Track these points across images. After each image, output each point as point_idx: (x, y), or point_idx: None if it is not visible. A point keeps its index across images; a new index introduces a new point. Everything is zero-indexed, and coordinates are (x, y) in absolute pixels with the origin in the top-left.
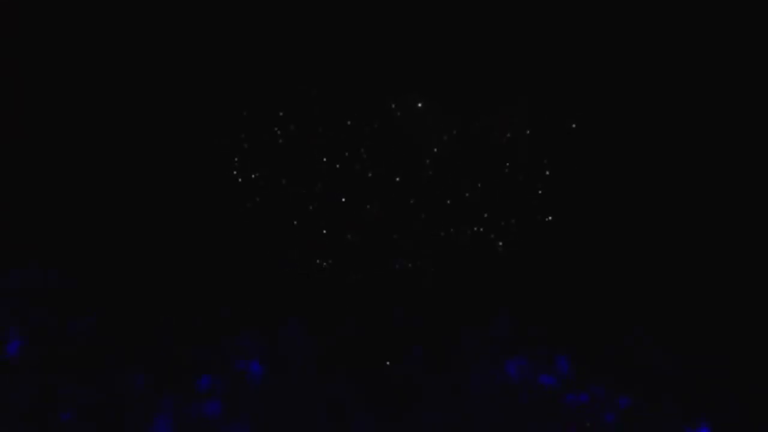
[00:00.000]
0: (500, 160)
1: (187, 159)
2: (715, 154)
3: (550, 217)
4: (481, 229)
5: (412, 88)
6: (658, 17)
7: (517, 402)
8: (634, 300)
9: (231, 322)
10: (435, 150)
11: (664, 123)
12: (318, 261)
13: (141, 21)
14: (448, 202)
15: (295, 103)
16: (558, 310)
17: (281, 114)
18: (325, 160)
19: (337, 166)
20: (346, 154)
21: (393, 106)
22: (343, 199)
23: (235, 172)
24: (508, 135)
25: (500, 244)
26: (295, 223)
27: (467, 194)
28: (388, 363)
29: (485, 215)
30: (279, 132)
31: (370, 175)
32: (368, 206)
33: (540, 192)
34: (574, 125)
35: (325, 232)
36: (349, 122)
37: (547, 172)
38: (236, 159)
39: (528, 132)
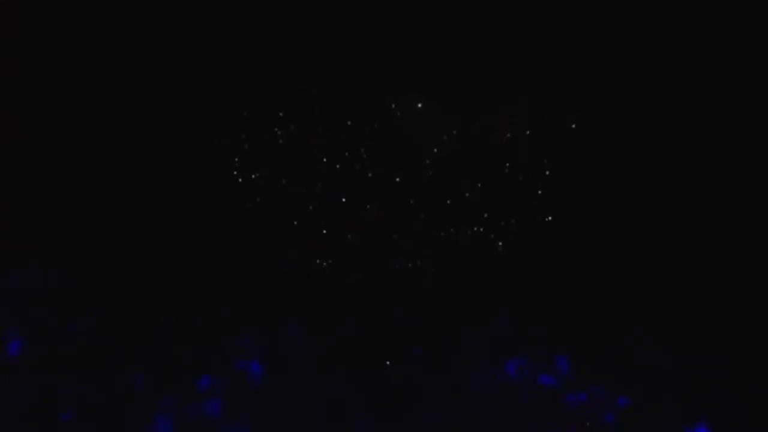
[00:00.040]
0: (500, 160)
1: (187, 159)
2: (715, 154)
3: (550, 217)
4: (481, 229)
5: (412, 88)
6: (658, 17)
7: (517, 402)
8: (634, 300)
9: (231, 322)
10: (435, 150)
11: (664, 123)
12: (318, 261)
13: (141, 21)
14: (448, 202)
15: (295, 103)
16: (558, 310)
17: (281, 114)
18: (325, 160)
19: (337, 166)
20: (346, 154)
21: (393, 106)
22: (343, 199)
23: (235, 173)
24: (508, 135)
25: (500, 244)
26: (295, 223)
27: (467, 194)
28: (388, 363)
29: (485, 215)
30: (279, 132)
31: (370, 175)
32: (368, 206)
33: (540, 192)
34: (574, 125)
35: (325, 232)
36: (349, 122)
37: (547, 172)
38: (236, 159)
39: (528, 132)
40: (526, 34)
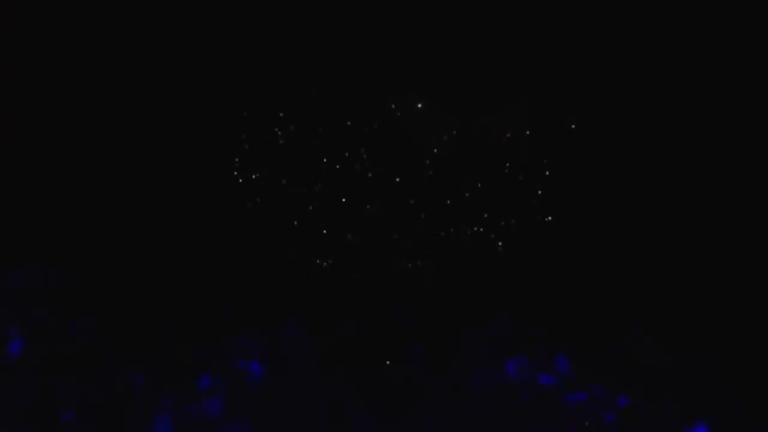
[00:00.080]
0: (500, 160)
1: (187, 159)
2: (715, 154)
3: (550, 217)
4: (481, 229)
5: (412, 88)
6: (658, 17)
7: (517, 402)
8: (634, 300)
9: (231, 322)
10: (435, 150)
11: (664, 123)
12: (318, 261)
13: (141, 21)
14: (448, 202)
15: (295, 103)
16: (558, 310)
17: (281, 114)
18: (325, 160)
19: (337, 166)
20: (346, 154)
21: (393, 106)
22: (343, 200)
23: (235, 173)
24: (508, 135)
25: (500, 244)
26: (296, 223)
27: (467, 194)
28: (388, 363)
29: (485, 215)
30: (279, 132)
31: (370, 175)
32: (368, 206)
33: (540, 192)
34: (574, 125)
35: (325, 232)
36: (349, 122)
37: (547, 172)
38: (237, 159)
39: (528, 132)
40: (526, 34)
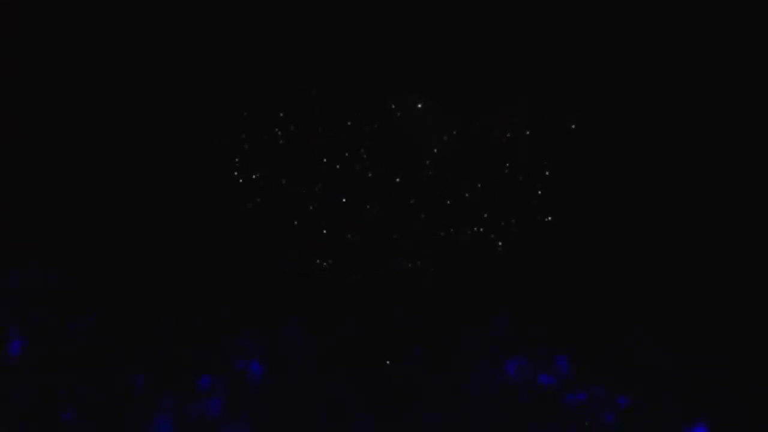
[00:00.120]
0: (500, 160)
1: (187, 159)
2: (715, 154)
3: (550, 217)
4: (481, 229)
5: (412, 88)
6: (658, 17)
7: (517, 402)
8: (634, 300)
9: (231, 322)
10: (435, 150)
11: (664, 123)
12: (318, 261)
13: (141, 21)
14: (448, 202)
15: (295, 103)
16: (558, 310)
17: (281, 114)
18: (325, 160)
19: (337, 166)
20: (346, 154)
21: (393, 106)
22: (343, 200)
23: (235, 173)
24: (508, 135)
25: (500, 244)
26: (296, 223)
27: (467, 194)
28: (388, 363)
29: (485, 215)
30: (279, 132)
31: (370, 175)
32: (368, 206)
33: (540, 192)
34: (574, 125)
35: (325, 232)
36: (349, 122)
37: (547, 172)
38: (237, 159)
39: (528, 132)
40: (526, 34)
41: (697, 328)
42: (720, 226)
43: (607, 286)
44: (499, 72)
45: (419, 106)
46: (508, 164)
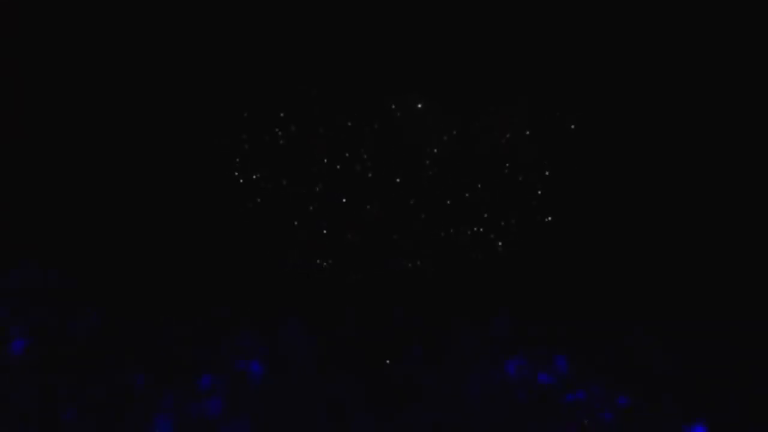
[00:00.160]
0: (500, 160)
1: (188, 159)
2: (715, 153)
3: (549, 218)
4: (481, 229)
5: (412, 88)
6: (658, 17)
7: (516, 401)
8: (634, 300)
9: (231, 322)
10: (435, 150)
11: (664, 123)
12: (318, 261)
13: (141, 21)
14: (448, 202)
15: (295, 103)
16: (558, 310)
17: (282, 115)
18: (325, 160)
19: (338, 166)
20: (347, 154)
21: (393, 106)
22: (344, 200)
23: (236, 173)
24: (508, 135)
25: (500, 244)
26: (296, 223)
27: (467, 194)
28: (387, 362)
29: (485, 215)
30: (280, 133)
31: (370, 175)
32: (368, 206)
33: (540, 192)
34: (573, 125)
35: (325, 232)
36: (349, 122)
37: (547, 173)
38: (237, 159)
39: (528, 132)
40: (526, 34)
41: (696, 328)
42: (720, 226)
43: (607, 286)
44: (499, 72)
45: (419, 106)
46: (508, 164)
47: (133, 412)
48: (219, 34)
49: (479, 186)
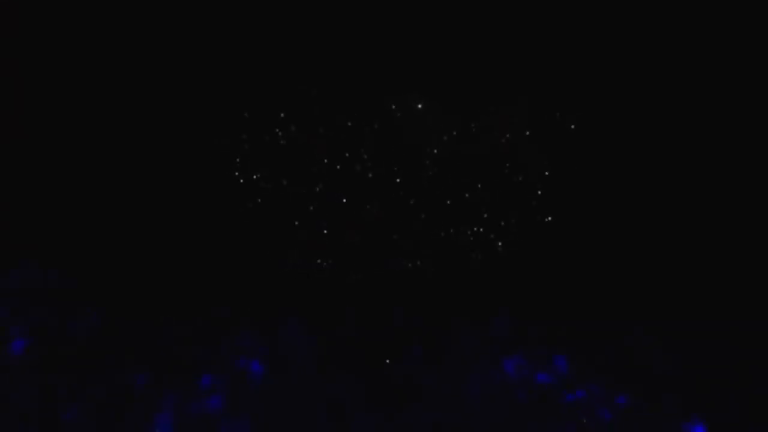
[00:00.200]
0: (500, 160)
1: (188, 159)
2: (714, 154)
3: (549, 218)
4: (481, 229)
5: (412, 88)
6: (658, 17)
7: (516, 401)
8: (634, 300)
9: (231, 322)
10: (435, 150)
11: (663, 123)
12: (318, 261)
13: (141, 21)
14: (448, 202)
15: (295, 103)
16: (558, 310)
17: (282, 115)
18: (325, 160)
19: (338, 166)
20: (347, 154)
21: (393, 106)
22: (344, 200)
23: (236, 173)
24: (508, 135)
25: (500, 244)
26: (296, 223)
27: (467, 194)
28: (387, 361)
29: (485, 215)
30: (280, 133)
31: (370, 175)
32: (368, 206)
33: (540, 192)
34: (573, 125)
35: (325, 232)
36: (349, 123)
37: (547, 173)
38: (238, 160)
39: (528, 132)
40: (526, 34)
41: (696, 328)
42: (719, 226)
43: (607, 286)
44: (499, 72)
45: (419, 106)
46: (508, 164)
47: (133, 411)
48: (219, 35)
49: (479, 186)
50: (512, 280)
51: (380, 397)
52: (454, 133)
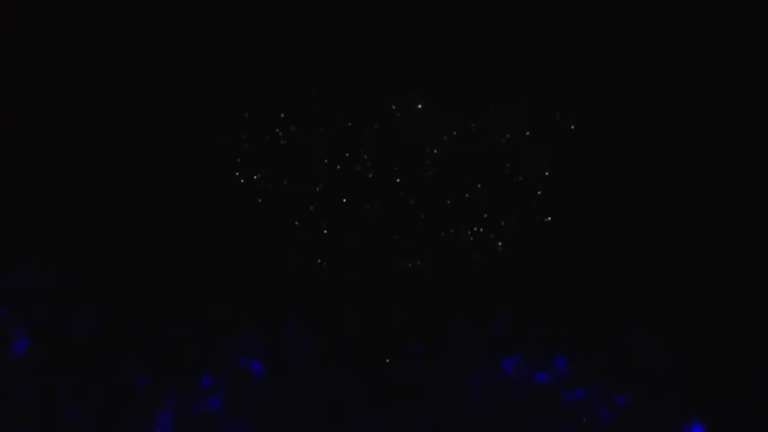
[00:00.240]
0: (500, 160)
1: (188, 160)
2: (714, 153)
3: (549, 218)
4: (481, 229)
5: (412, 88)
6: (658, 17)
7: (516, 401)
8: (634, 300)
9: (231, 322)
10: (435, 150)
11: (663, 123)
12: (318, 261)
13: (141, 21)
14: (448, 202)
15: (295, 103)
16: (557, 310)
17: (282, 115)
18: (325, 160)
19: (338, 166)
20: (347, 154)
21: (393, 106)
22: (344, 200)
23: (236, 173)
24: (508, 135)
25: (500, 244)
26: (296, 223)
27: (467, 194)
28: (387, 361)
29: (485, 215)
30: (280, 133)
31: (370, 175)
32: (368, 206)
33: (540, 192)
34: (573, 125)
35: (325, 232)
36: (349, 123)
37: (547, 173)
38: (238, 160)
39: (528, 132)
40: (526, 34)
41: (696, 328)
42: (719, 226)
43: (607, 286)
44: (499, 72)
45: (419, 106)
46: (508, 164)
47: (133, 411)
48: (219, 35)
49: (479, 186)
50: (512, 280)
51: (380, 397)
52: (454, 133)
